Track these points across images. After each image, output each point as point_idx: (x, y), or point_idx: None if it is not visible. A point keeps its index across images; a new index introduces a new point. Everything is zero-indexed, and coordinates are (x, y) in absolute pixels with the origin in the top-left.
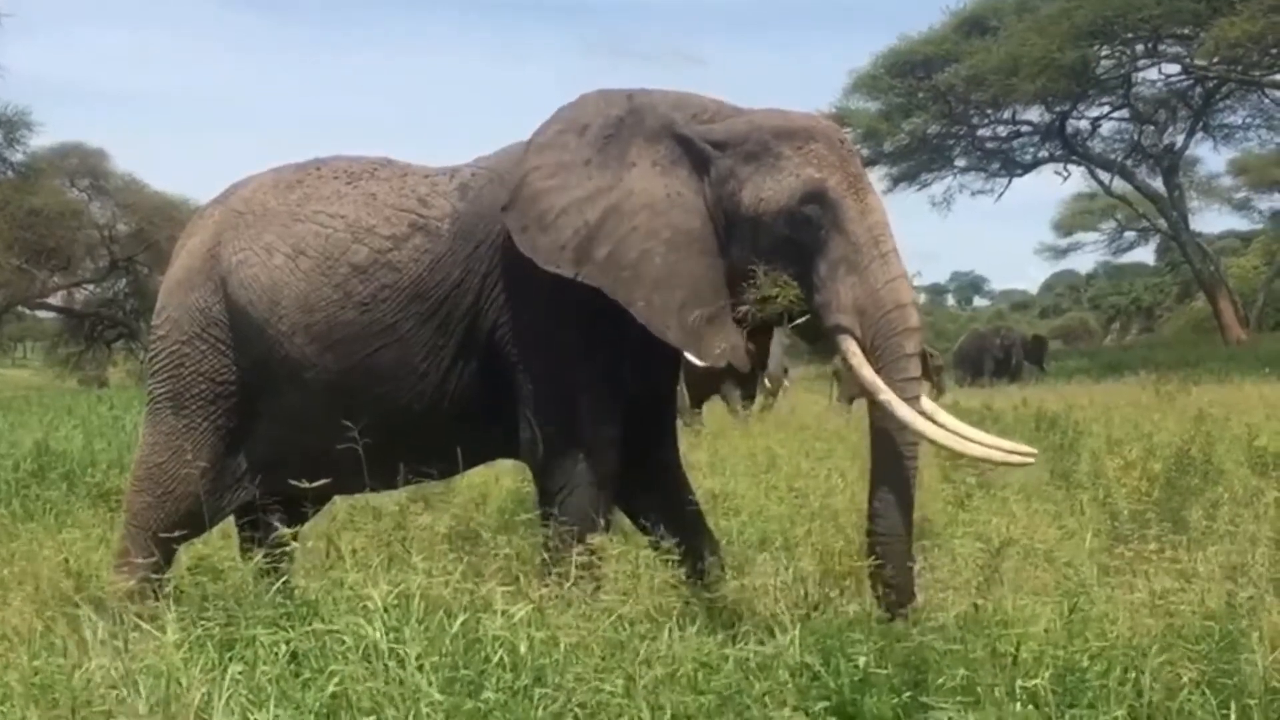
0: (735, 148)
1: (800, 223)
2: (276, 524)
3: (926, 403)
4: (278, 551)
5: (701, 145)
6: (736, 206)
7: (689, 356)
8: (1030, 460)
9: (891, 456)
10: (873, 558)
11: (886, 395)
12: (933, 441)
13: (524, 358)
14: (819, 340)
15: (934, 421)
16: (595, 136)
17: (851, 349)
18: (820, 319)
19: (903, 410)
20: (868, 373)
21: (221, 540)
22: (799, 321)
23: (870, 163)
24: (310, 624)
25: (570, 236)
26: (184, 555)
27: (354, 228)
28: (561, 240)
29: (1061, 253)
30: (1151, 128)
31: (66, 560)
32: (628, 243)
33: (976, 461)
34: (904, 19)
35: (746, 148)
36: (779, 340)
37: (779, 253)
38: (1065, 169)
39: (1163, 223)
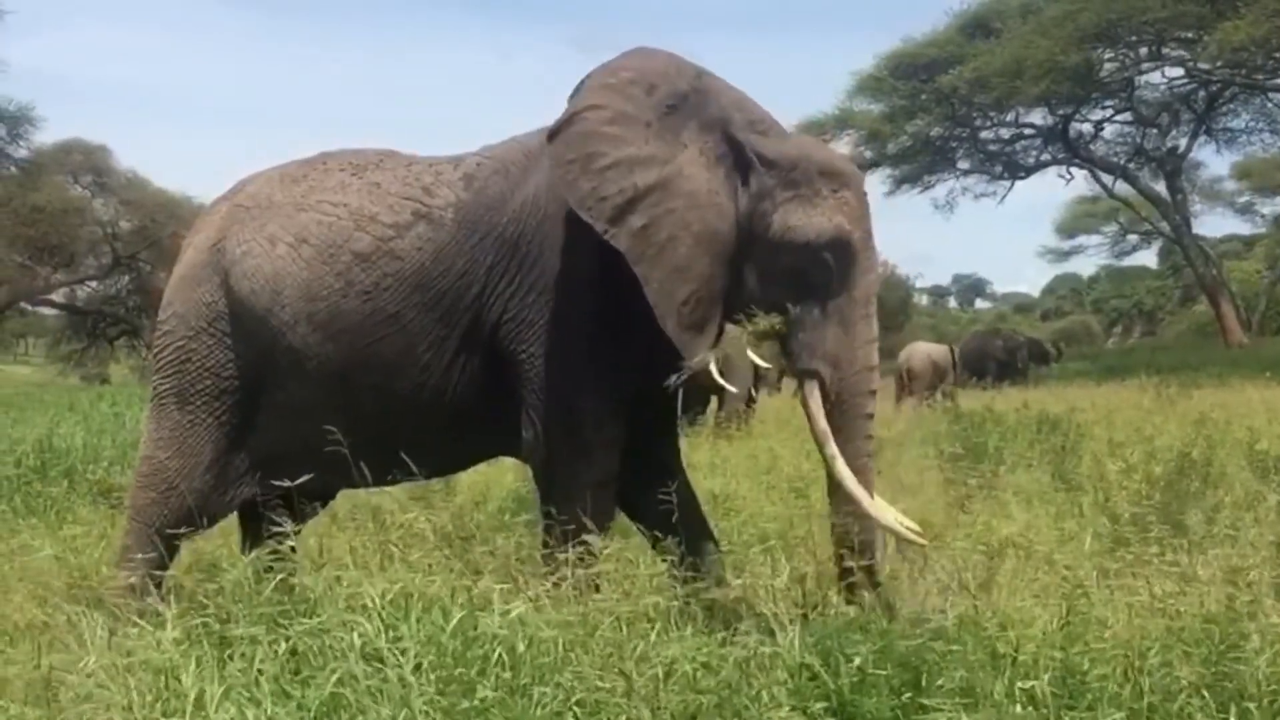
0: (780, 171)
1: (816, 263)
2: (279, 520)
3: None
4: (279, 548)
5: (750, 155)
6: (766, 227)
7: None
8: (921, 542)
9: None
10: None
11: (832, 450)
12: (862, 508)
13: (527, 354)
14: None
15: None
16: (661, 101)
17: (815, 396)
18: (794, 356)
19: (841, 469)
20: (821, 424)
21: (224, 537)
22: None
23: (873, 165)
24: (308, 622)
25: (614, 192)
26: (186, 552)
27: (357, 216)
28: (604, 192)
29: (1064, 255)
30: (1154, 131)
31: (64, 556)
32: (663, 222)
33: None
34: (907, 21)
35: (792, 175)
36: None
37: (785, 281)
38: (1068, 172)
39: (1165, 226)
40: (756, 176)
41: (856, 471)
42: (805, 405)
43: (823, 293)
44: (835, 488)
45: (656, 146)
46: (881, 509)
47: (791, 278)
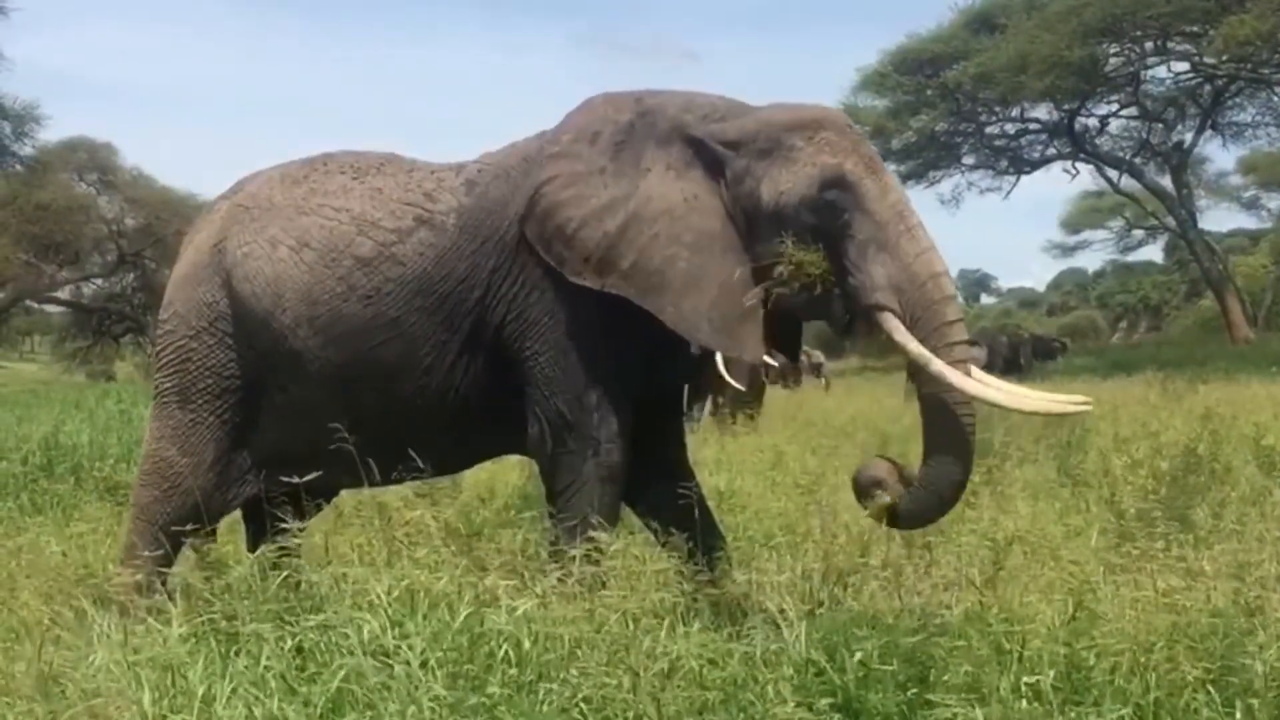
0: (748, 146)
1: (823, 209)
2: (282, 518)
3: (976, 370)
4: (283, 545)
5: (714, 146)
6: (756, 204)
7: (718, 357)
8: (1087, 407)
9: (949, 428)
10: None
11: (937, 365)
12: (988, 401)
13: (532, 354)
14: (849, 326)
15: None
16: (607, 143)
17: (894, 324)
18: (856, 301)
19: (955, 376)
20: (914, 345)
21: (228, 534)
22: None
23: None
24: (314, 618)
25: (593, 248)
26: (190, 549)
27: (359, 221)
28: (585, 252)
29: (1069, 251)
30: (1160, 126)
31: (70, 553)
32: (651, 250)
33: (1033, 415)
34: (912, 17)
35: (759, 144)
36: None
37: (805, 243)
38: (1073, 167)
39: (1171, 221)
40: (729, 163)
41: (963, 368)
42: (891, 339)
43: (847, 233)
44: (931, 442)
45: (616, 187)
46: (1018, 398)
47: (810, 237)
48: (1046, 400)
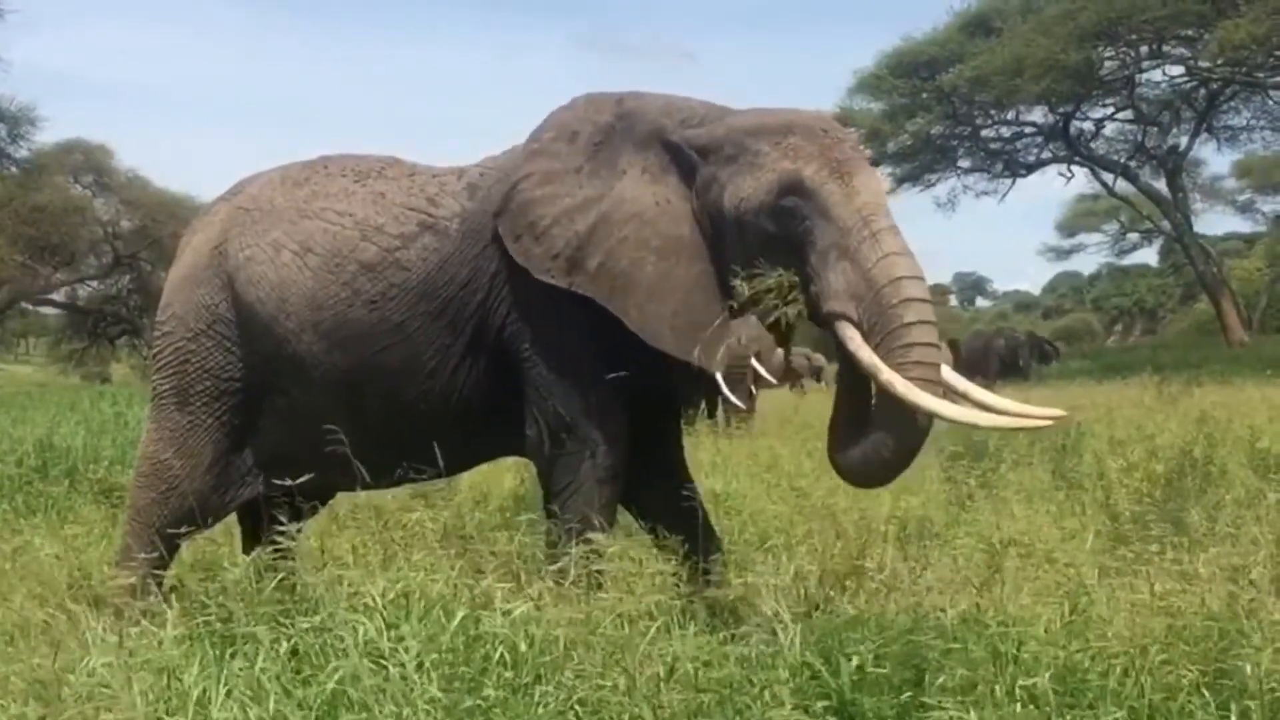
0: (716, 153)
1: (782, 217)
2: (279, 521)
3: (950, 374)
4: (279, 548)
5: (688, 153)
6: (719, 211)
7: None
8: (1048, 423)
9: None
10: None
11: (886, 375)
12: (938, 416)
13: (531, 355)
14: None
15: (956, 393)
16: (586, 143)
17: (849, 334)
18: (815, 310)
19: (903, 386)
20: (866, 355)
21: (224, 537)
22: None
23: (874, 164)
24: (310, 621)
25: (562, 247)
26: (187, 552)
27: (362, 226)
28: (554, 250)
29: (1065, 254)
30: (1155, 129)
31: (65, 555)
32: (618, 252)
33: (998, 431)
34: (908, 19)
35: (725, 151)
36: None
37: (768, 251)
38: (1069, 170)
39: (1166, 224)
40: (699, 170)
41: (917, 382)
42: (844, 349)
43: (808, 240)
44: (890, 412)
45: (591, 188)
46: (974, 414)
47: (772, 244)
48: (1008, 419)
